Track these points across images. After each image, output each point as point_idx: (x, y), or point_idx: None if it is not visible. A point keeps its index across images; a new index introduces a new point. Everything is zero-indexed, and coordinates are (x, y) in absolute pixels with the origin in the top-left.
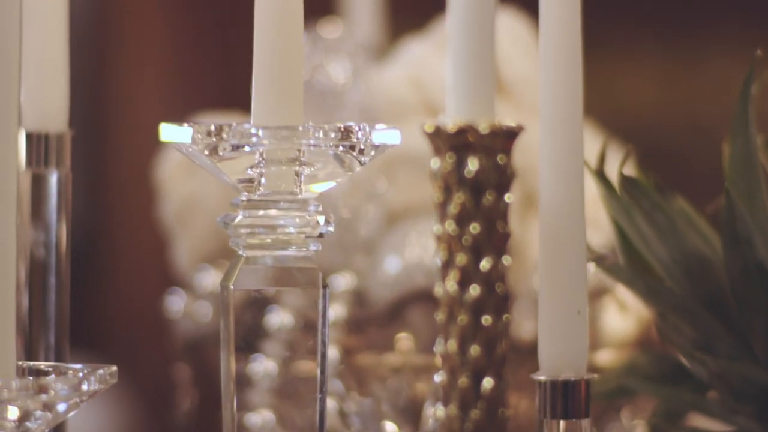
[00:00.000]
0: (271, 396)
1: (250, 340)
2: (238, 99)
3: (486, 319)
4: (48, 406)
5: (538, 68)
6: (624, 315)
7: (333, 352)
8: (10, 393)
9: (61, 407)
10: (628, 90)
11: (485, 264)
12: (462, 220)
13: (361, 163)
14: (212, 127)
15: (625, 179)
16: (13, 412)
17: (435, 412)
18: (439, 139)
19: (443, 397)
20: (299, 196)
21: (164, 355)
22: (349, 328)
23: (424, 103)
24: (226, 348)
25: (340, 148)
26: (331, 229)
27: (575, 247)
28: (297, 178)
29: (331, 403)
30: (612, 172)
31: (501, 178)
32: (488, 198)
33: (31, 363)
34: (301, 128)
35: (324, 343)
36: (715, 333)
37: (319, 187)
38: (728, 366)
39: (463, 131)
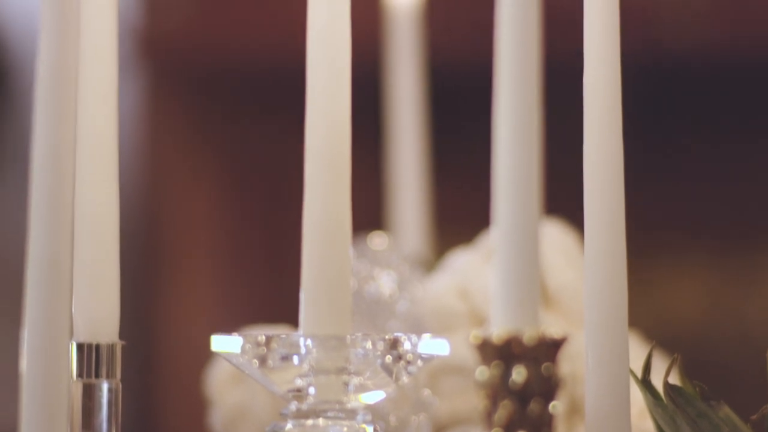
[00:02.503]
0: None
1: None
2: (286, 312)
3: None
4: None
5: (583, 277)
6: None
7: None
8: None
9: None
10: (674, 299)
11: None
12: (508, 430)
13: (408, 373)
14: (262, 338)
15: (670, 387)
16: None
17: None
18: (486, 349)
19: None
20: (347, 406)
21: None
22: None
23: (471, 313)
24: None
25: (388, 358)
26: None
27: None
28: (345, 387)
29: None
30: (657, 381)
31: (547, 387)
32: (534, 407)
33: None
34: (349, 338)
35: None
36: None
37: (367, 397)
38: None
39: (508, 342)
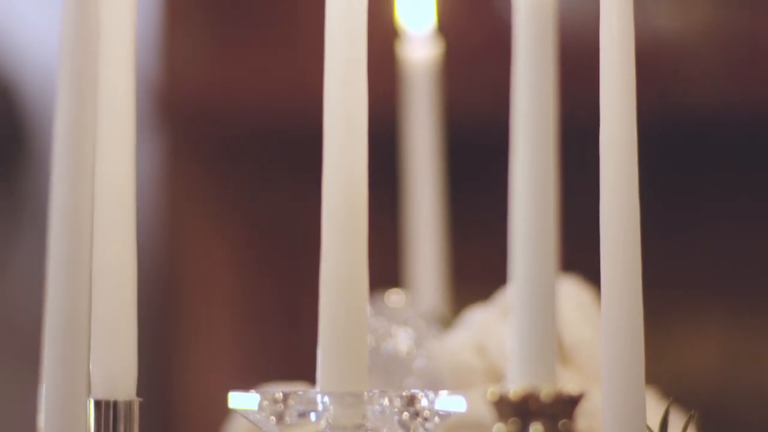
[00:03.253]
0: None
1: None
2: (303, 368)
3: None
4: None
5: (600, 334)
6: None
7: None
8: None
9: None
10: (692, 356)
11: None
12: None
13: (426, 430)
14: (279, 395)
15: None
16: None
17: None
18: (503, 406)
19: None
20: None
21: None
22: None
23: (488, 369)
24: None
25: (406, 415)
26: None
27: None
28: None
29: None
30: None
31: None
32: None
33: None
34: (366, 395)
35: None
36: None
37: None
38: None
39: (525, 398)
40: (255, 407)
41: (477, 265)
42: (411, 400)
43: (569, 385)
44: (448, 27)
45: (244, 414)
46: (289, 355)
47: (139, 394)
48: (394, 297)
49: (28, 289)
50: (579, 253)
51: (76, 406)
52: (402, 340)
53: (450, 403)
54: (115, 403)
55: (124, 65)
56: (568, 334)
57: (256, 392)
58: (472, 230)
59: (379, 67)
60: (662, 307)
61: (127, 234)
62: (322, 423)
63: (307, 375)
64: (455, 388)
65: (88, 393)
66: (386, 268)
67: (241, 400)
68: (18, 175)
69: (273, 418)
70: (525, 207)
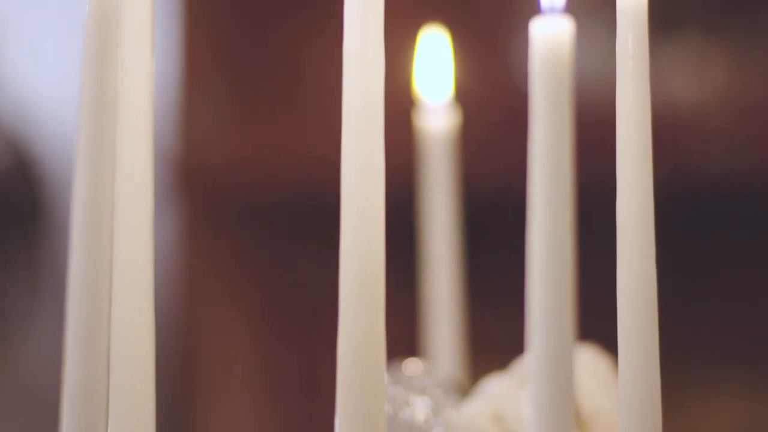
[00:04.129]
0: None
1: None
2: None
3: None
4: None
5: (617, 403)
6: None
7: None
8: None
9: None
10: (710, 428)
11: None
12: None
13: None
14: None
15: None
16: None
17: None
18: None
19: None
20: None
21: None
22: None
23: None
24: None
25: None
26: None
27: None
28: None
29: None
30: None
31: None
32: None
33: None
34: None
35: None
36: None
37: None
38: None
39: None
40: None
41: (494, 334)
42: None
43: None
44: (465, 97)
45: None
46: (308, 425)
47: None
48: (411, 366)
49: (47, 357)
50: (596, 322)
51: None
52: (420, 408)
53: None
54: None
55: (142, 136)
56: (586, 403)
57: None
58: (489, 299)
59: (397, 137)
60: (680, 378)
61: (145, 304)
62: None
63: None
64: None
65: None
66: (404, 336)
67: None
68: (37, 245)
69: None
70: (542, 276)
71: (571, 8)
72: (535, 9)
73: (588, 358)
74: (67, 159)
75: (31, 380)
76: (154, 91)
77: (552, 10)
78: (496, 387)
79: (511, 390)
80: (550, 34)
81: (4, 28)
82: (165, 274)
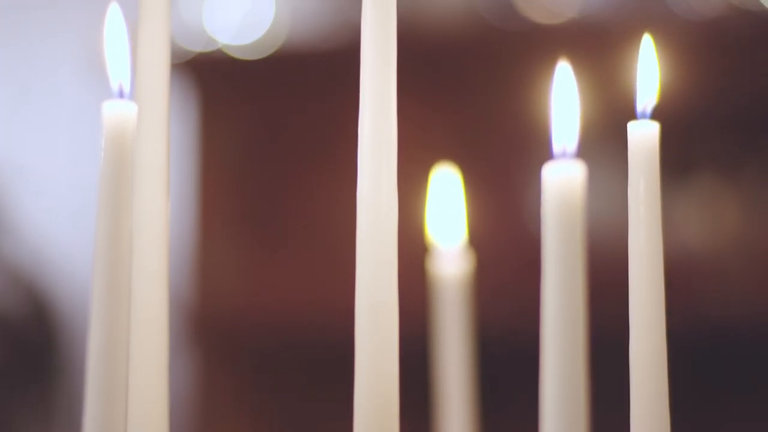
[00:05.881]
0: None
1: None
2: None
3: None
4: None
5: None
6: None
7: None
8: None
9: None
10: None
11: None
12: None
13: None
14: None
15: None
16: None
17: None
18: None
19: None
20: None
21: None
22: None
23: None
24: None
25: None
26: None
27: None
28: None
29: None
30: None
31: None
32: None
33: None
34: None
35: None
36: None
37: None
38: None
39: None
40: None
41: None
42: None
43: None
44: (478, 241)
45: None
46: None
47: None
48: None
49: None
50: None
51: None
52: None
53: None
54: None
55: (157, 279)
56: None
57: None
58: None
59: (410, 282)
60: None
61: None
62: None
63: None
64: None
65: None
66: None
67: None
68: (52, 384)
69: None
70: (556, 419)
71: (582, 153)
72: (547, 153)
73: None
74: (83, 301)
75: None
76: (169, 239)
77: (564, 154)
78: None
79: None
80: (563, 178)
81: (19, 177)
82: (181, 420)
